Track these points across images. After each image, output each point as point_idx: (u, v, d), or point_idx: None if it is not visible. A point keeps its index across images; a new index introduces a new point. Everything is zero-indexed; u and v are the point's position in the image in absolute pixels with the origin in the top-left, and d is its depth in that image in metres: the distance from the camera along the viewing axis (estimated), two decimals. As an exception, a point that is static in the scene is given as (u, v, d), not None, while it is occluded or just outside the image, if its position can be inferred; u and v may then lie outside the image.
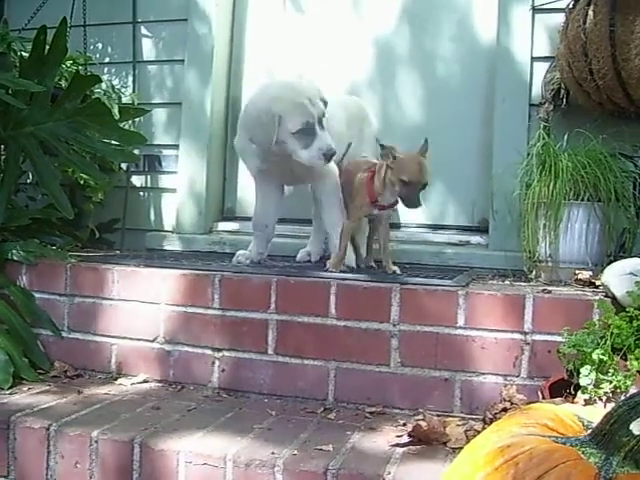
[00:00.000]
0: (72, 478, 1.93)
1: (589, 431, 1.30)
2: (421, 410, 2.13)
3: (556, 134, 2.75)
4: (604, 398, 1.82)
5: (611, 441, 1.23)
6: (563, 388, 1.91)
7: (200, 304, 2.41)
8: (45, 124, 2.72)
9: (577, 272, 2.50)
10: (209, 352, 2.39)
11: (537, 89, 3.03)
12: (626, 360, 1.87)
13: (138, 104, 3.43)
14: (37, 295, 2.60)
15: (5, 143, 2.83)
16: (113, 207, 3.51)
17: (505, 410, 1.95)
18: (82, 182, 3.20)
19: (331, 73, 3.43)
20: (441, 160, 3.23)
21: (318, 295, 2.30)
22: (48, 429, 1.96)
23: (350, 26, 3.48)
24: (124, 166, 3.53)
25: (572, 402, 1.83)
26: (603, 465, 1.21)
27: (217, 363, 2.38)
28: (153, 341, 2.45)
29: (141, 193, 3.64)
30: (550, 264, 2.62)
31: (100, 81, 3.00)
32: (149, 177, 3.63)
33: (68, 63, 3.17)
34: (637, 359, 1.84)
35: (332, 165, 2.70)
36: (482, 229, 3.21)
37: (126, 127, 3.19)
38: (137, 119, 3.42)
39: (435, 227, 3.31)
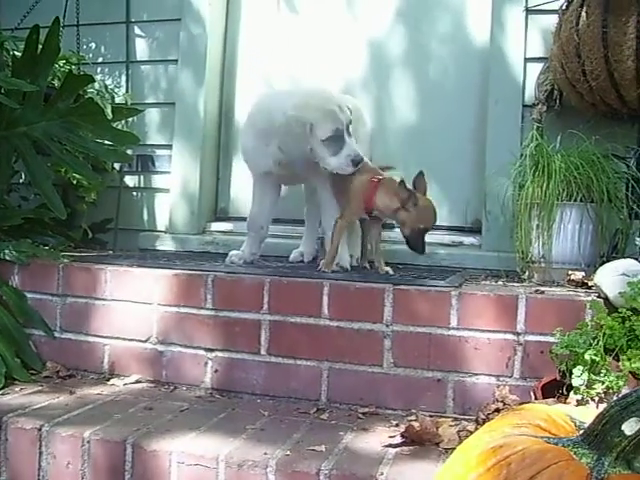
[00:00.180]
0: (64, 479, 1.92)
1: (581, 431, 1.30)
2: (414, 411, 2.13)
3: (549, 135, 2.75)
4: (596, 399, 1.82)
5: (603, 441, 1.23)
6: (555, 389, 1.91)
7: (193, 304, 2.40)
8: (38, 124, 2.71)
9: (570, 273, 2.51)
10: (202, 352, 2.39)
11: (530, 90, 3.04)
12: (618, 361, 1.87)
13: (131, 104, 3.43)
14: (29, 295, 2.59)
15: (-2, 143, 2.82)
16: (106, 207, 3.50)
17: (498, 411, 1.95)
18: (75, 182, 3.19)
19: (325, 73, 3.44)
20: (434, 161, 3.25)
21: (311, 295, 2.30)
22: (40, 429, 1.95)
23: (344, 26, 3.48)
24: (117, 166, 3.52)
25: (564, 403, 1.83)
26: (595, 465, 1.21)
27: (210, 363, 2.38)
28: (146, 341, 2.45)
29: (134, 193, 3.64)
30: (543, 265, 2.62)
31: (93, 81, 3.00)
32: (142, 177, 3.62)
33: (61, 63, 3.17)
34: (629, 360, 1.85)
35: None
36: (475, 230, 3.21)
37: (119, 127, 3.18)
38: (130, 119, 3.42)
39: (428, 228, 3.31)
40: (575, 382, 1.84)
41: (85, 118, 2.73)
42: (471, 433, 1.82)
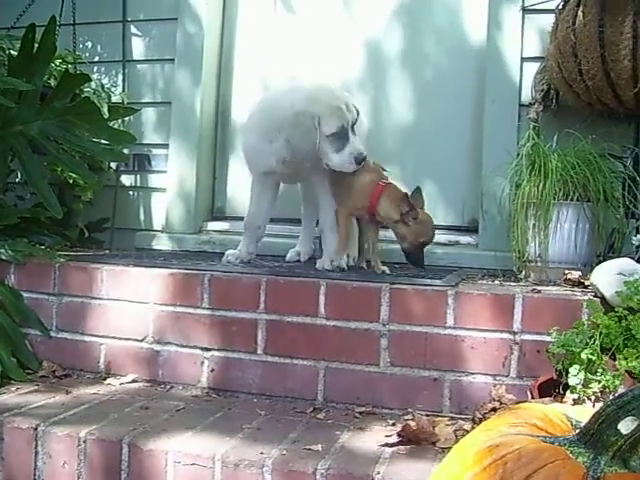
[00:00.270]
0: (60, 478, 1.92)
1: (577, 431, 1.30)
2: (410, 410, 2.13)
3: (546, 134, 2.76)
4: (593, 398, 1.82)
5: (599, 440, 1.23)
6: (552, 388, 1.92)
7: (189, 304, 2.40)
8: (34, 123, 2.71)
9: (566, 272, 2.51)
10: (198, 352, 2.38)
11: (527, 90, 3.04)
12: (615, 360, 1.87)
13: (128, 103, 3.42)
14: (25, 294, 2.59)
15: (-6, 142, 2.81)
16: (102, 206, 3.50)
17: (494, 410, 1.95)
18: (71, 181, 3.18)
19: (321, 72, 3.43)
20: (431, 160, 3.25)
21: (307, 295, 2.30)
22: (36, 429, 1.95)
23: (341, 26, 3.48)
24: (113, 165, 3.51)
25: (561, 402, 1.84)
26: (591, 464, 1.21)
27: (206, 363, 2.37)
28: (142, 341, 2.45)
29: (130, 192, 3.63)
30: (539, 264, 2.62)
31: (89, 80, 2.99)
32: (139, 176, 3.62)
33: (57, 62, 3.16)
34: (626, 359, 1.85)
35: None
36: (472, 229, 3.21)
37: (116, 126, 3.17)
38: (127, 118, 3.41)
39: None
40: (571, 381, 1.84)
41: (81, 117, 2.73)
42: (467, 432, 1.83)
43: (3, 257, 2.61)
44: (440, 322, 2.19)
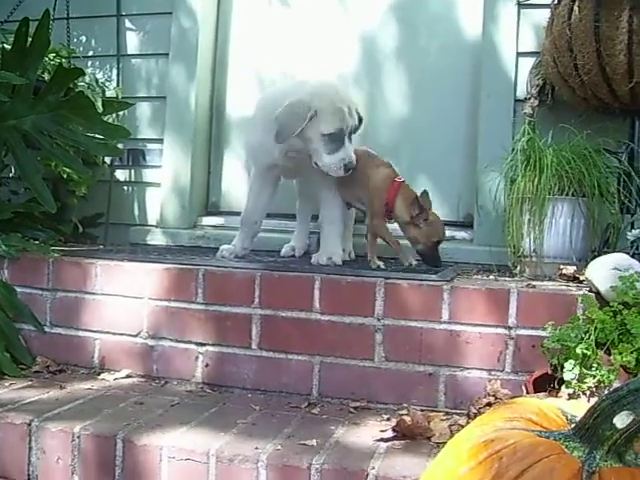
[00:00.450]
0: (54, 474, 1.91)
1: (573, 425, 1.30)
2: (405, 405, 2.12)
3: (541, 129, 2.75)
4: (588, 392, 1.82)
5: (595, 435, 1.23)
6: (547, 383, 1.91)
7: (184, 299, 2.40)
8: (27, 117, 2.69)
9: (561, 267, 2.51)
10: (193, 347, 2.38)
11: (522, 84, 3.03)
12: (610, 355, 1.87)
13: (122, 98, 3.41)
14: (19, 289, 2.58)
15: (-13, 136, 2.80)
16: (97, 201, 3.49)
17: (489, 405, 1.95)
18: (65, 176, 3.17)
19: (316, 67, 3.42)
20: (426, 155, 3.25)
21: (302, 290, 2.29)
22: (30, 425, 1.94)
23: (336, 20, 3.47)
24: (108, 160, 3.50)
25: (556, 397, 1.83)
26: (587, 459, 1.21)
27: (201, 358, 2.37)
28: (136, 336, 2.44)
29: (125, 187, 3.62)
30: (534, 259, 2.62)
31: (83, 74, 2.97)
32: (133, 171, 3.61)
33: (51, 56, 3.15)
34: (621, 353, 1.85)
35: None
36: (467, 224, 3.21)
37: (110, 121, 3.16)
38: (121, 113, 3.41)
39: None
40: (566, 376, 1.84)
41: (75, 111, 2.71)
42: (462, 427, 1.82)
43: (-3, 252, 2.60)
44: (435, 317, 2.18)
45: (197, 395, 2.28)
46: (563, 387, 1.85)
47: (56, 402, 2.12)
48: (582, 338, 1.89)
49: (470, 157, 3.17)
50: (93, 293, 2.50)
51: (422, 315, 2.20)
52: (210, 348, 2.36)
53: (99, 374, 2.45)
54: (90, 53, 3.65)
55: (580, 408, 1.35)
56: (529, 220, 2.60)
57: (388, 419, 2.07)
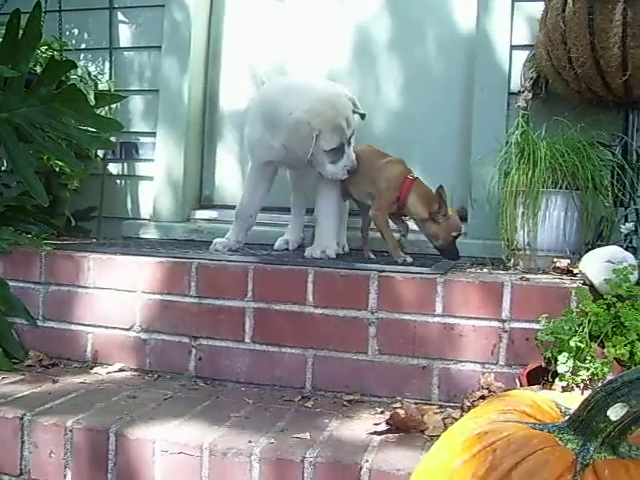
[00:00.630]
0: (46, 468, 1.91)
1: (567, 417, 1.30)
2: (399, 398, 2.12)
3: (535, 122, 2.75)
4: (581, 385, 1.82)
5: (588, 427, 1.22)
6: (541, 375, 1.91)
7: (177, 292, 2.39)
8: (19, 110, 2.67)
9: (555, 260, 2.51)
10: (186, 340, 2.37)
11: (516, 77, 3.03)
12: (603, 347, 1.87)
13: (115, 91, 3.40)
14: (11, 283, 2.57)
15: (-22, 129, 2.78)
16: (89, 195, 3.48)
17: (483, 398, 1.95)
18: (58, 169, 3.15)
19: (310, 59, 3.42)
20: (419, 148, 3.24)
21: (295, 283, 2.29)
22: (22, 419, 1.93)
23: (330, 12, 3.46)
24: (100, 153, 3.50)
25: (550, 389, 1.83)
26: (580, 451, 1.21)
27: (194, 351, 2.36)
28: (129, 329, 2.43)
29: (118, 181, 3.61)
30: (528, 252, 2.62)
31: (75, 66, 2.95)
32: (126, 165, 3.59)
33: (43, 48, 3.13)
34: (614, 346, 1.85)
35: None
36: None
37: (102, 114, 3.14)
38: (114, 106, 3.40)
39: (414, 215, 3.30)
40: (560, 369, 1.83)
41: (67, 104, 2.69)
42: (456, 420, 1.82)
43: (-12, 246, 2.59)
44: (429, 310, 2.18)
45: (190, 389, 2.28)
46: (557, 380, 1.84)
47: (49, 396, 2.12)
48: (576, 331, 1.89)
49: (464, 150, 3.16)
50: (86, 287, 2.49)
51: (416, 308, 2.19)
52: (203, 341, 2.36)
53: (92, 368, 2.44)
54: (82, 46, 3.63)
55: (574, 400, 1.35)
56: (523, 213, 2.60)
57: (382, 412, 2.07)
